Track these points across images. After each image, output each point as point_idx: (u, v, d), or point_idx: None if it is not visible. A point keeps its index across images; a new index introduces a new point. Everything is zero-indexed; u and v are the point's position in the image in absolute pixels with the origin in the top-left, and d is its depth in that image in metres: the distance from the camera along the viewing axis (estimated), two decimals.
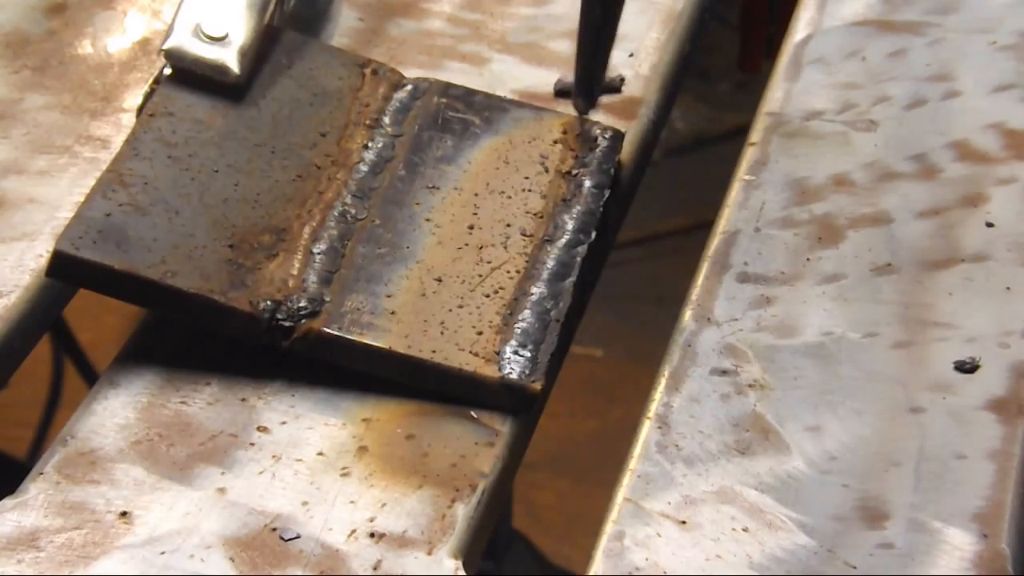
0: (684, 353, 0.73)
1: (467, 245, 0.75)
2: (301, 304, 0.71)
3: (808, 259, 0.78)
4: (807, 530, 0.65)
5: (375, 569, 0.64)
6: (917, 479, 0.67)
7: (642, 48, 0.90)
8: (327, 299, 0.72)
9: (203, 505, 0.66)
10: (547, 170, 0.79)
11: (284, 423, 0.70)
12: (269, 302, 0.71)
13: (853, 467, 0.68)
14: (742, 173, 0.83)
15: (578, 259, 0.75)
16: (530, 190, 0.78)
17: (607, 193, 0.78)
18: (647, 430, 0.70)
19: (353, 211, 0.76)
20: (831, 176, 0.82)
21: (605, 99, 0.86)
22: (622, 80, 0.87)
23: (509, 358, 0.71)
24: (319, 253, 0.73)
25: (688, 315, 0.75)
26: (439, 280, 0.74)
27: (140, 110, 0.78)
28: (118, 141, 0.81)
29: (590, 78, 0.80)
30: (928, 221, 0.79)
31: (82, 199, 0.73)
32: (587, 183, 0.78)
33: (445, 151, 0.79)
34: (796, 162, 0.83)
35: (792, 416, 0.70)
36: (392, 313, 0.72)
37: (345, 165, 0.78)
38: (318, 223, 0.75)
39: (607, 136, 0.80)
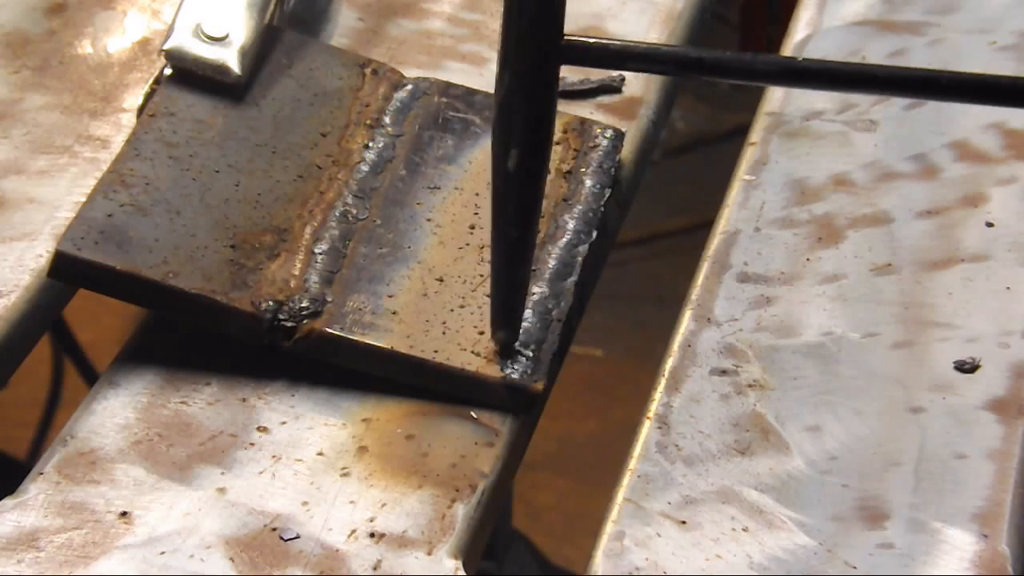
0: (684, 353, 0.73)
1: (468, 245, 0.75)
2: (303, 304, 0.71)
3: (808, 259, 0.78)
4: (807, 530, 0.66)
5: (375, 569, 0.64)
6: (917, 479, 0.67)
7: None
8: (329, 299, 0.72)
9: (203, 505, 0.66)
10: (548, 170, 0.79)
11: (284, 423, 0.70)
12: (271, 302, 0.71)
13: (853, 467, 0.68)
14: (742, 173, 0.83)
15: (579, 259, 0.75)
16: None
17: (608, 193, 0.78)
18: (647, 430, 0.70)
19: (354, 211, 0.76)
20: (831, 176, 0.82)
21: (605, 99, 0.86)
22: (622, 80, 0.87)
23: (511, 358, 0.71)
24: (320, 253, 0.73)
25: (688, 315, 0.75)
26: (440, 280, 0.74)
27: (141, 110, 0.78)
28: (118, 141, 0.81)
29: (511, 308, 0.69)
30: (928, 221, 0.79)
31: (82, 199, 0.73)
32: (588, 182, 0.78)
33: (446, 151, 0.79)
34: (796, 162, 0.83)
35: (792, 416, 0.70)
36: (394, 313, 0.72)
37: (346, 165, 0.78)
38: (319, 223, 0.75)
39: (607, 136, 0.80)
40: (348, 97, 0.81)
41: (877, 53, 0.89)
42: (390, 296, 0.73)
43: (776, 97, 0.87)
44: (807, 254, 0.78)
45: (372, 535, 0.65)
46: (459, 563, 0.65)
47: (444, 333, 0.71)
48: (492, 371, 0.70)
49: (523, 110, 0.64)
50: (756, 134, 0.85)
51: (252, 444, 0.69)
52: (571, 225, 0.76)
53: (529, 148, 0.65)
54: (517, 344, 0.71)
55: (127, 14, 0.90)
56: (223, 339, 0.71)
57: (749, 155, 0.84)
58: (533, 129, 0.65)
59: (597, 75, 0.87)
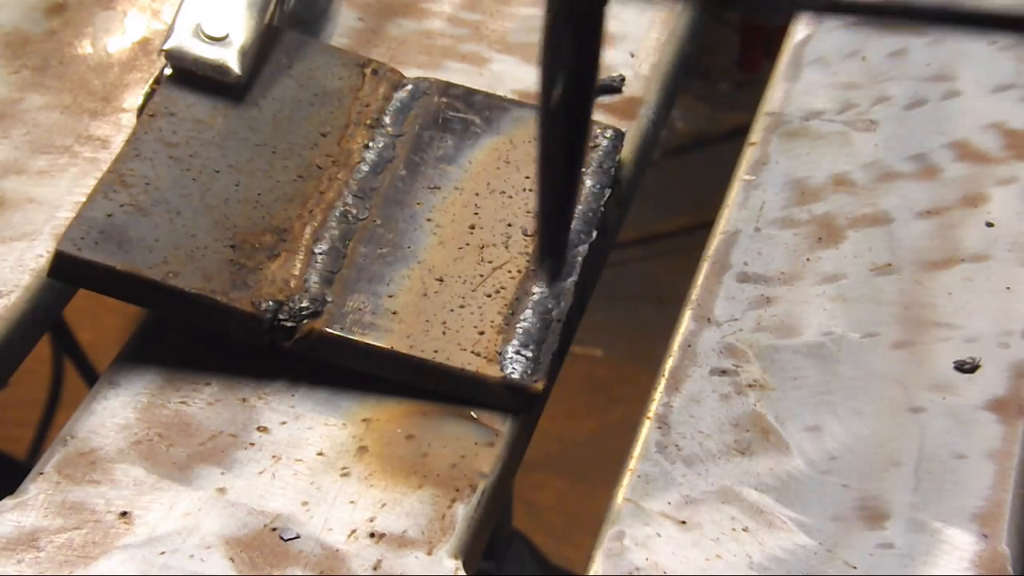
0: (684, 353, 0.73)
1: (468, 245, 0.75)
2: (303, 304, 0.71)
3: (808, 259, 0.78)
4: (807, 530, 0.66)
5: (375, 569, 0.64)
6: (917, 479, 0.67)
7: (642, 48, 0.90)
8: (329, 299, 0.72)
9: (203, 505, 0.66)
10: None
11: (284, 423, 0.70)
12: (271, 302, 0.71)
13: (853, 467, 0.68)
14: (742, 173, 0.83)
15: (579, 259, 0.75)
16: (531, 189, 0.78)
17: (607, 192, 0.78)
18: (647, 430, 0.70)
19: (354, 211, 0.76)
20: (831, 176, 0.82)
21: (605, 99, 0.86)
22: (622, 80, 0.87)
23: (511, 358, 0.71)
24: (321, 253, 0.73)
25: (688, 315, 0.75)
26: (440, 280, 0.74)
27: (141, 110, 0.78)
28: (118, 141, 0.81)
29: (557, 241, 0.69)
30: (928, 221, 0.79)
31: (82, 199, 0.73)
32: (588, 182, 0.78)
33: (446, 151, 0.79)
34: (796, 162, 0.83)
35: (792, 416, 0.70)
36: (394, 313, 0.72)
37: (346, 165, 0.78)
38: (319, 223, 0.75)
39: (607, 136, 0.80)
40: (348, 97, 0.81)
41: (877, 53, 0.89)
42: (390, 296, 0.73)
43: (776, 97, 0.87)
44: (807, 254, 0.78)
45: (372, 535, 0.65)
46: (459, 563, 0.65)
47: (444, 333, 0.71)
48: (492, 371, 0.70)
49: (569, 43, 0.64)
50: (756, 134, 0.85)
51: (252, 444, 0.69)
52: (571, 225, 0.76)
53: (573, 82, 0.64)
54: (517, 344, 0.71)
55: (127, 14, 0.90)
56: (223, 339, 0.71)
57: (749, 155, 0.84)
58: (578, 62, 0.64)
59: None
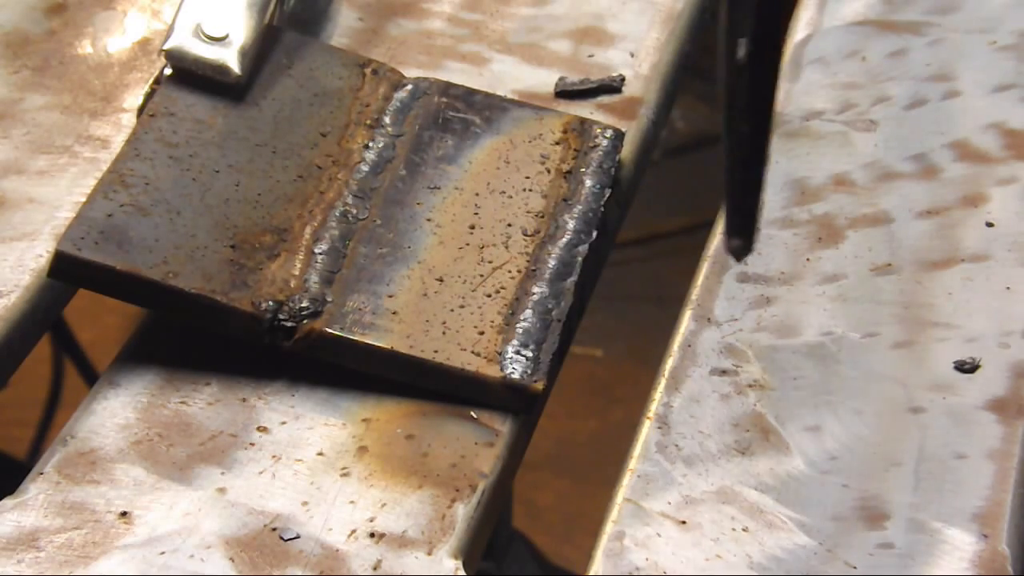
0: (684, 353, 0.73)
1: (468, 245, 0.75)
2: (303, 304, 0.71)
3: (808, 259, 0.78)
4: (807, 530, 0.66)
5: (375, 569, 0.64)
6: (917, 479, 0.67)
7: (642, 48, 0.90)
8: (329, 299, 0.72)
9: (203, 505, 0.66)
10: (548, 170, 0.79)
11: (284, 423, 0.70)
12: (271, 302, 0.71)
13: (853, 467, 0.68)
14: None
15: (579, 258, 0.75)
16: (531, 190, 0.78)
17: (607, 192, 0.78)
18: (647, 430, 0.70)
19: (354, 211, 0.76)
20: (831, 176, 0.82)
21: (605, 99, 0.86)
22: (622, 80, 0.87)
23: (511, 358, 0.71)
24: (321, 253, 0.73)
25: (688, 315, 0.75)
26: (440, 280, 0.74)
27: (141, 110, 0.78)
28: (118, 141, 0.81)
29: (746, 212, 0.63)
30: (928, 221, 0.79)
31: (82, 199, 0.74)
32: (588, 182, 0.78)
33: (446, 151, 0.79)
34: (796, 162, 0.83)
35: (792, 416, 0.70)
36: (394, 313, 0.72)
37: (346, 165, 0.78)
38: (319, 223, 0.75)
39: (607, 136, 0.80)
40: (348, 97, 0.81)
41: (877, 53, 0.89)
42: (390, 296, 0.73)
43: (776, 97, 0.87)
44: (807, 254, 0.78)
45: (372, 535, 0.65)
46: (459, 563, 0.65)
47: (444, 333, 0.71)
48: (492, 371, 0.70)
49: None
50: None
51: (252, 444, 0.69)
52: (571, 225, 0.76)
53: (761, 37, 0.62)
54: (517, 344, 0.71)
55: (127, 14, 0.90)
56: (223, 339, 0.71)
57: None
58: (766, 16, 0.62)
59: (597, 75, 0.87)
